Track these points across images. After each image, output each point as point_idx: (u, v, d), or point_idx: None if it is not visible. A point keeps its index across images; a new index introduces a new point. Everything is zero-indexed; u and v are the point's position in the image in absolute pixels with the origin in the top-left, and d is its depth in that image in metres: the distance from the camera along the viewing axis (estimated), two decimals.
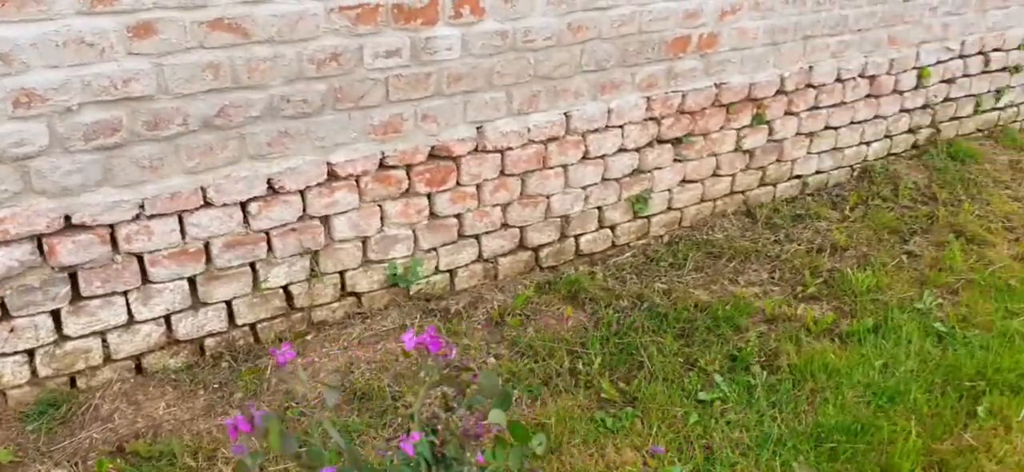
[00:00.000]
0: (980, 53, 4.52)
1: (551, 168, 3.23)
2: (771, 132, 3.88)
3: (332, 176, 2.73)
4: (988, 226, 3.89)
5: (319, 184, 2.71)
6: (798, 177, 4.12)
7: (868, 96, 4.17)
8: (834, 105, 4.05)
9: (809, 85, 3.89)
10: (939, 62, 4.39)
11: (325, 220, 2.79)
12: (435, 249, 3.08)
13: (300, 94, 2.56)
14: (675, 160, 3.60)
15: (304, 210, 2.73)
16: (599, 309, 3.14)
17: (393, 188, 2.88)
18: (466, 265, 3.19)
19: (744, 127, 3.76)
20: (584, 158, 3.31)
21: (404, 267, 3.01)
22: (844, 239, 3.73)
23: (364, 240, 2.91)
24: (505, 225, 3.23)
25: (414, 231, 3.00)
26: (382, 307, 3.04)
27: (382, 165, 2.82)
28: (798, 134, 3.99)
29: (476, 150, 3.01)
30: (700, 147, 3.64)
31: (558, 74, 3.07)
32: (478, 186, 3.08)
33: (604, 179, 3.41)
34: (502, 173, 3.11)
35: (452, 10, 2.72)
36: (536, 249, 3.37)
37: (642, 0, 3.14)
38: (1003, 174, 4.45)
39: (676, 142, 3.56)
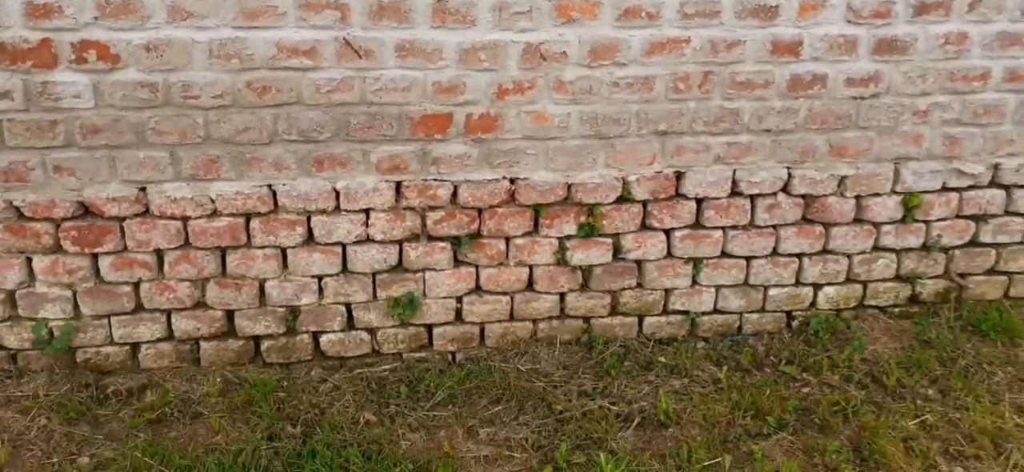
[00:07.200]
0: None
1: (258, 248, 2.74)
2: (618, 250, 2.96)
3: None
4: (944, 446, 2.57)
5: None
6: (682, 313, 3.10)
7: (804, 221, 3.03)
8: (735, 227, 3.00)
9: (679, 195, 2.91)
10: (946, 188, 3.07)
11: None
12: (106, 317, 2.75)
13: None
14: (458, 263, 2.88)
15: None
16: (263, 427, 2.58)
17: (32, 241, 2.61)
18: (151, 342, 2.80)
19: (569, 237, 2.91)
20: (309, 242, 2.77)
21: (56, 330, 2.72)
22: (673, 410, 2.70)
23: (10, 293, 2.67)
24: (202, 304, 2.79)
25: (74, 293, 2.70)
26: (38, 370, 2.77)
27: (20, 215, 2.58)
28: (670, 256, 3.00)
29: (145, 213, 2.64)
30: (496, 253, 2.88)
31: (245, 140, 2.59)
32: (157, 254, 2.70)
33: (348, 272, 2.82)
34: (187, 244, 2.70)
35: (72, 54, 2.39)
36: (254, 339, 2.87)
37: (361, 65, 2.54)
38: None
39: (455, 241, 2.85)
